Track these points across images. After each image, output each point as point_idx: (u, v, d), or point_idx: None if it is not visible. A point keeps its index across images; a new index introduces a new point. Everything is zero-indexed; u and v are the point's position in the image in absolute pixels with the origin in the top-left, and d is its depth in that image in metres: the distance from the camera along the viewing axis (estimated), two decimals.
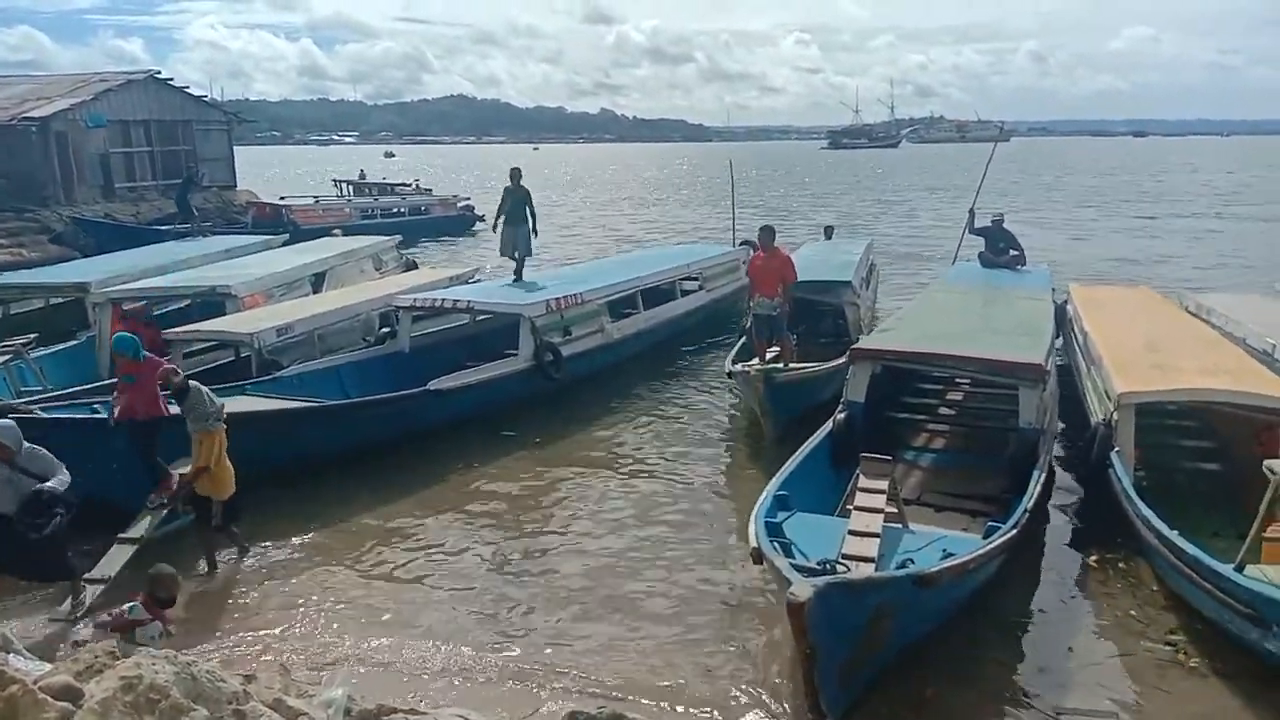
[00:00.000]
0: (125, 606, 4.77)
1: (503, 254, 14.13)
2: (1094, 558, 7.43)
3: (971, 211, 15.09)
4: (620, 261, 18.37)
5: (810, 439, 8.19)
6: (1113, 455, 7.48)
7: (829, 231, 19.20)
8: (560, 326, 12.15)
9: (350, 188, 35.26)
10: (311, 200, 31.33)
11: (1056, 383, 9.57)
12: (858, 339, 10.60)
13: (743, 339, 11.82)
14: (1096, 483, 7.91)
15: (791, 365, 10.68)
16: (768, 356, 11.06)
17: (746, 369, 10.27)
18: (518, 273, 13.72)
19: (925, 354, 8.65)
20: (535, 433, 10.60)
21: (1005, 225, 14.83)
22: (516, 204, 13.59)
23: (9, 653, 4.38)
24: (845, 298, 12.67)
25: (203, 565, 7.22)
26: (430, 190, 36.62)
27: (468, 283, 15.19)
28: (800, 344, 11.82)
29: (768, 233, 11.18)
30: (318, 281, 14.30)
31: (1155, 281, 17.01)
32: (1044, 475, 7.41)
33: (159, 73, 31.50)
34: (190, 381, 7.24)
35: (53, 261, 18.57)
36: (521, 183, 13.54)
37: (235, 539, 7.46)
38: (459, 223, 33.34)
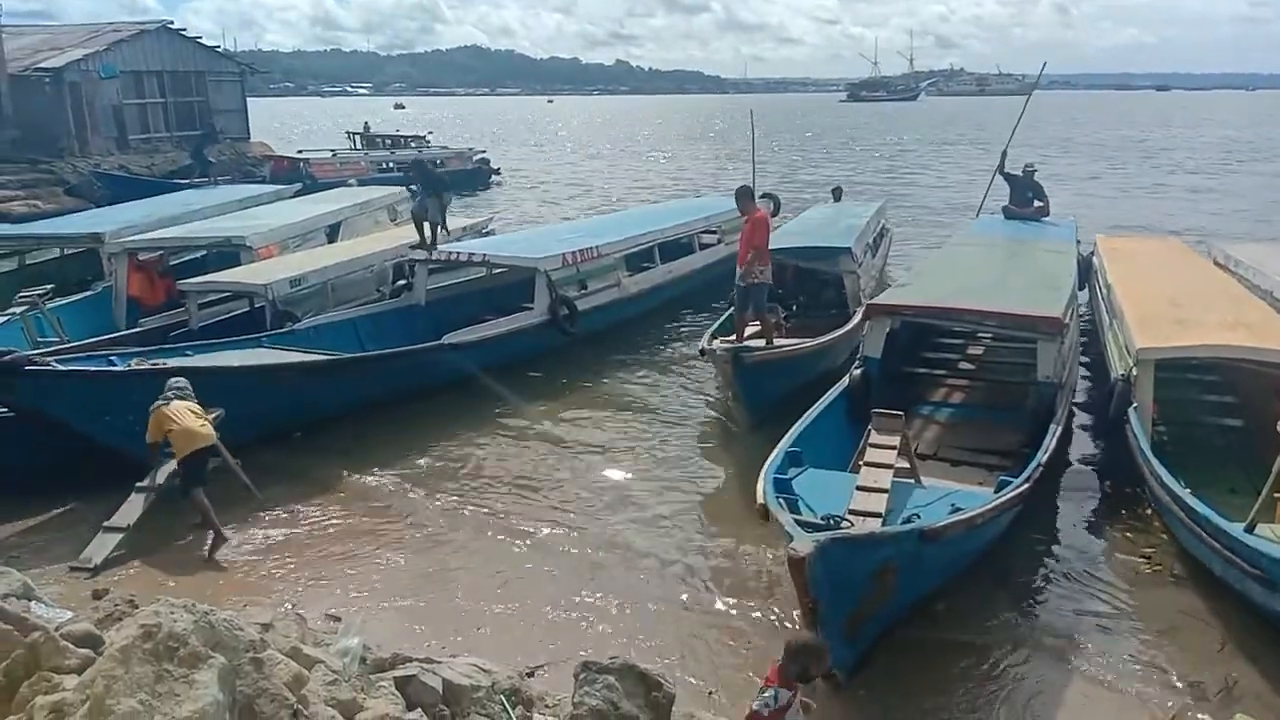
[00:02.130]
0: (768, 694, 4.01)
1: (415, 215, 12.48)
2: (1107, 505, 7.54)
3: (1004, 153, 14.76)
4: (638, 214, 18.14)
5: (826, 395, 8.11)
6: (1130, 411, 7.42)
7: (838, 193, 17.92)
8: (576, 280, 12.08)
9: (363, 141, 35.01)
10: (329, 154, 31.18)
11: (1076, 336, 9.43)
12: (855, 312, 10.22)
13: (730, 310, 10.51)
14: (1115, 437, 7.87)
15: (776, 343, 9.68)
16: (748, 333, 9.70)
17: (716, 347, 9.30)
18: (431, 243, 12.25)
19: (941, 308, 8.55)
20: (551, 385, 10.62)
21: (1036, 177, 14.59)
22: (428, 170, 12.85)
23: (31, 600, 4.46)
24: (843, 266, 11.44)
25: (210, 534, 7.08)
26: (431, 143, 36.03)
27: (482, 234, 15.12)
28: (798, 316, 11.50)
29: (745, 194, 9.73)
30: (333, 232, 14.28)
31: (1173, 223, 16.63)
32: (1060, 429, 7.37)
33: (171, 23, 31.21)
34: None
35: (68, 213, 18.56)
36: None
37: (198, 504, 6.92)
38: (474, 176, 33.08)
